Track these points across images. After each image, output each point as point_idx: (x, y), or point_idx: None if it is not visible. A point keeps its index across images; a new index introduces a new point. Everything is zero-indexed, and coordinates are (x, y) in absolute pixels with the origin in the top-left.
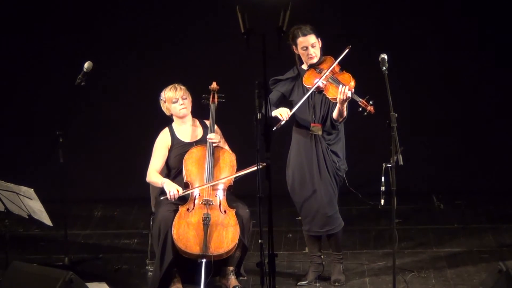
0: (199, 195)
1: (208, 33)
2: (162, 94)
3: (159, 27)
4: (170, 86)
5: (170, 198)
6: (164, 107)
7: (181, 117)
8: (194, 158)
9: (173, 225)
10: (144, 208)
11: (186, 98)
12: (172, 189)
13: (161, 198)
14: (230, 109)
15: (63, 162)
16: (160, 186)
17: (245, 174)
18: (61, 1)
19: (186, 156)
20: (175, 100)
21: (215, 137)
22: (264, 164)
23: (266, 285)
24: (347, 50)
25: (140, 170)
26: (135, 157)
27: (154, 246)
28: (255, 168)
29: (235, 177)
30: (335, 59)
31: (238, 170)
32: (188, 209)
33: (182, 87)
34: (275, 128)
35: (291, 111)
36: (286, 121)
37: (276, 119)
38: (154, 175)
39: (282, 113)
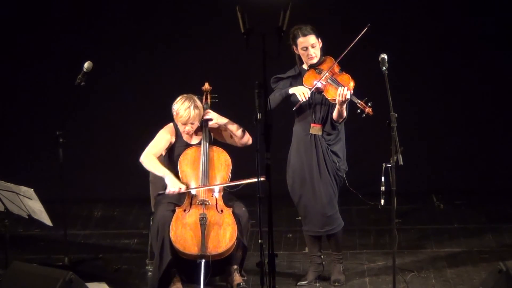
0: (195, 195)
1: (209, 32)
2: (175, 106)
3: (159, 27)
4: (186, 103)
5: (168, 193)
6: (173, 114)
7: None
8: (188, 159)
9: (170, 227)
10: (144, 208)
11: (195, 123)
12: (175, 187)
13: (160, 193)
14: (229, 109)
15: (63, 162)
16: (159, 174)
17: (243, 184)
18: (62, 1)
19: (181, 158)
20: (185, 123)
21: (211, 113)
22: (263, 178)
23: (266, 285)
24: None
25: (140, 170)
26: (135, 157)
27: (153, 246)
28: (254, 180)
29: (233, 187)
30: (336, 60)
31: (238, 177)
32: (184, 210)
33: (198, 105)
34: (294, 108)
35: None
36: (304, 102)
37: (295, 99)
38: (153, 158)
39: (303, 92)
